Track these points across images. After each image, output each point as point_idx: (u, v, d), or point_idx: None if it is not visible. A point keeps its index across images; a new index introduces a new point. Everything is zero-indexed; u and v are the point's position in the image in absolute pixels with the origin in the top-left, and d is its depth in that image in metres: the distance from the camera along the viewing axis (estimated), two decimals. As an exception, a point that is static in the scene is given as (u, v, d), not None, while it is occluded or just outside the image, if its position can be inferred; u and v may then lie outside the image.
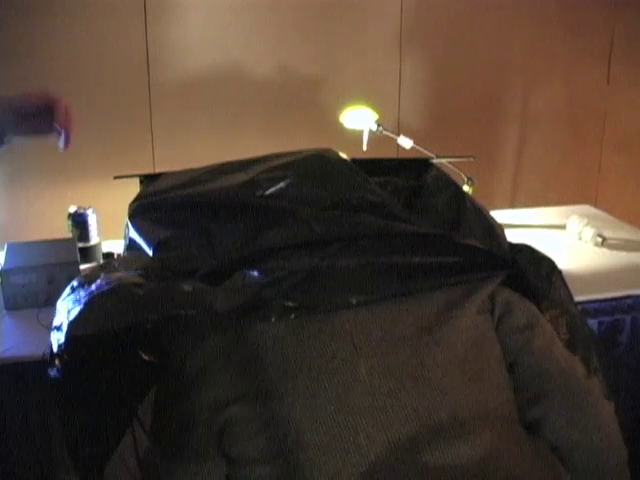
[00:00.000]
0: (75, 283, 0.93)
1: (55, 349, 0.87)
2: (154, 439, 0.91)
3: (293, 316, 0.85)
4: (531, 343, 0.96)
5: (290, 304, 0.85)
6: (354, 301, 0.88)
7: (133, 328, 0.87)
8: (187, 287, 0.86)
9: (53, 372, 0.87)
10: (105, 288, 0.86)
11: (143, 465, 0.92)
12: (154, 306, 0.83)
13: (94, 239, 1.77)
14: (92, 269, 0.98)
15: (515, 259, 1.05)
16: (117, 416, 0.95)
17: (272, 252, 0.93)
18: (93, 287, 0.87)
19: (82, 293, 0.88)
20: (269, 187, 1.03)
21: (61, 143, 1.15)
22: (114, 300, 0.84)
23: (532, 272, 1.06)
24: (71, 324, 0.84)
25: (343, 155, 1.17)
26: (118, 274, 0.90)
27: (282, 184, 1.03)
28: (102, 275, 0.90)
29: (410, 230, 1.00)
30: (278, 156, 1.14)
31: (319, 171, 1.08)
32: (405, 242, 0.97)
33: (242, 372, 0.85)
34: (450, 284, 0.94)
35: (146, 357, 0.92)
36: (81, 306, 0.85)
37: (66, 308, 0.88)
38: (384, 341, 0.87)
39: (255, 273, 0.89)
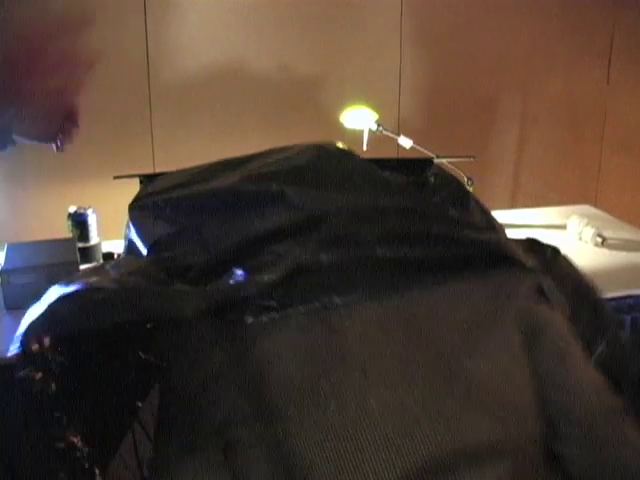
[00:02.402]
0: (56, 285, 0.92)
1: (15, 348, 0.87)
2: (157, 452, 0.88)
3: (277, 317, 0.83)
4: (560, 370, 0.88)
5: (269, 303, 0.83)
6: (339, 301, 0.84)
7: (132, 329, 0.86)
8: (155, 290, 0.84)
9: (19, 373, 0.87)
10: (67, 292, 0.84)
11: (146, 475, 0.90)
12: (109, 312, 0.81)
13: (94, 239, 1.77)
14: (82, 272, 0.97)
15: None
16: (117, 417, 0.94)
17: (262, 243, 0.91)
18: (63, 291, 0.86)
19: (53, 296, 0.87)
20: (260, 177, 1.01)
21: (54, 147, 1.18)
22: (69, 305, 0.83)
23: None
24: (29, 326, 0.84)
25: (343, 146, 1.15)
26: (94, 278, 0.88)
27: (273, 168, 1.02)
28: (82, 279, 0.89)
29: (404, 205, 0.97)
30: (278, 151, 1.12)
31: (313, 157, 1.05)
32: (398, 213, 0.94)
33: (245, 393, 0.81)
34: (456, 279, 0.89)
35: (146, 357, 0.92)
36: (42, 309, 0.84)
37: (36, 308, 0.88)
38: (397, 370, 0.81)
39: (240, 272, 0.87)
